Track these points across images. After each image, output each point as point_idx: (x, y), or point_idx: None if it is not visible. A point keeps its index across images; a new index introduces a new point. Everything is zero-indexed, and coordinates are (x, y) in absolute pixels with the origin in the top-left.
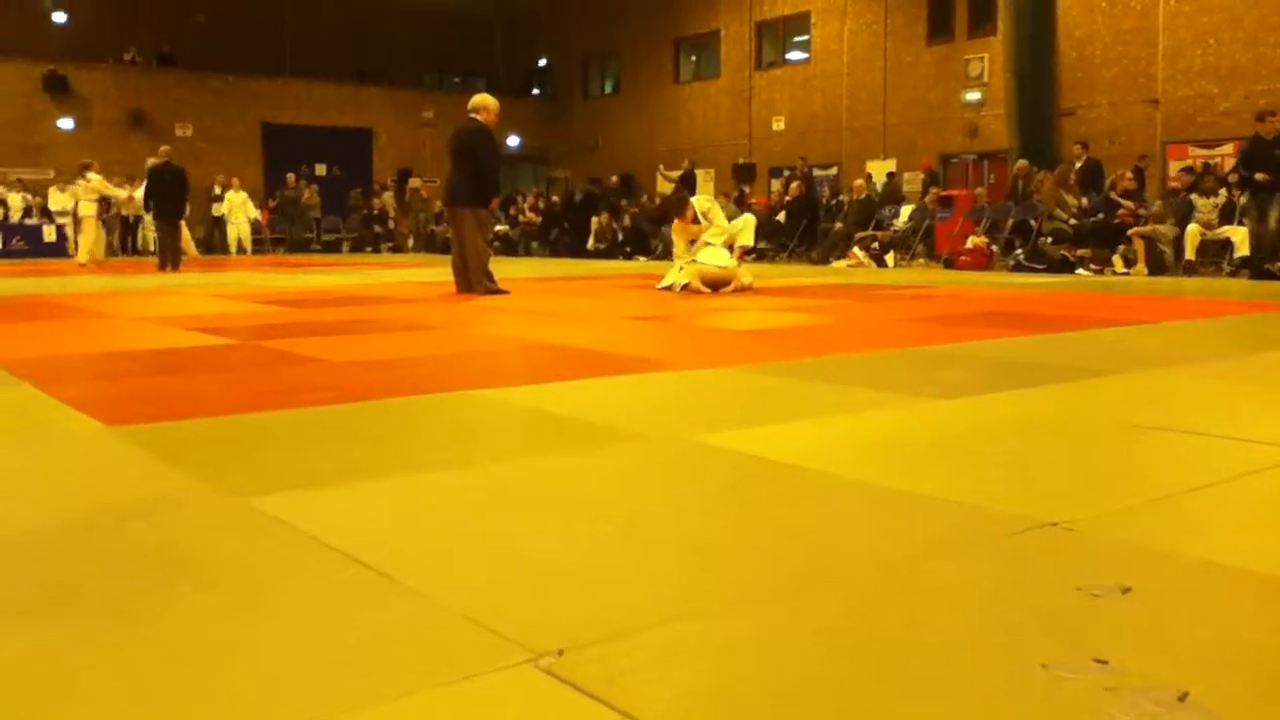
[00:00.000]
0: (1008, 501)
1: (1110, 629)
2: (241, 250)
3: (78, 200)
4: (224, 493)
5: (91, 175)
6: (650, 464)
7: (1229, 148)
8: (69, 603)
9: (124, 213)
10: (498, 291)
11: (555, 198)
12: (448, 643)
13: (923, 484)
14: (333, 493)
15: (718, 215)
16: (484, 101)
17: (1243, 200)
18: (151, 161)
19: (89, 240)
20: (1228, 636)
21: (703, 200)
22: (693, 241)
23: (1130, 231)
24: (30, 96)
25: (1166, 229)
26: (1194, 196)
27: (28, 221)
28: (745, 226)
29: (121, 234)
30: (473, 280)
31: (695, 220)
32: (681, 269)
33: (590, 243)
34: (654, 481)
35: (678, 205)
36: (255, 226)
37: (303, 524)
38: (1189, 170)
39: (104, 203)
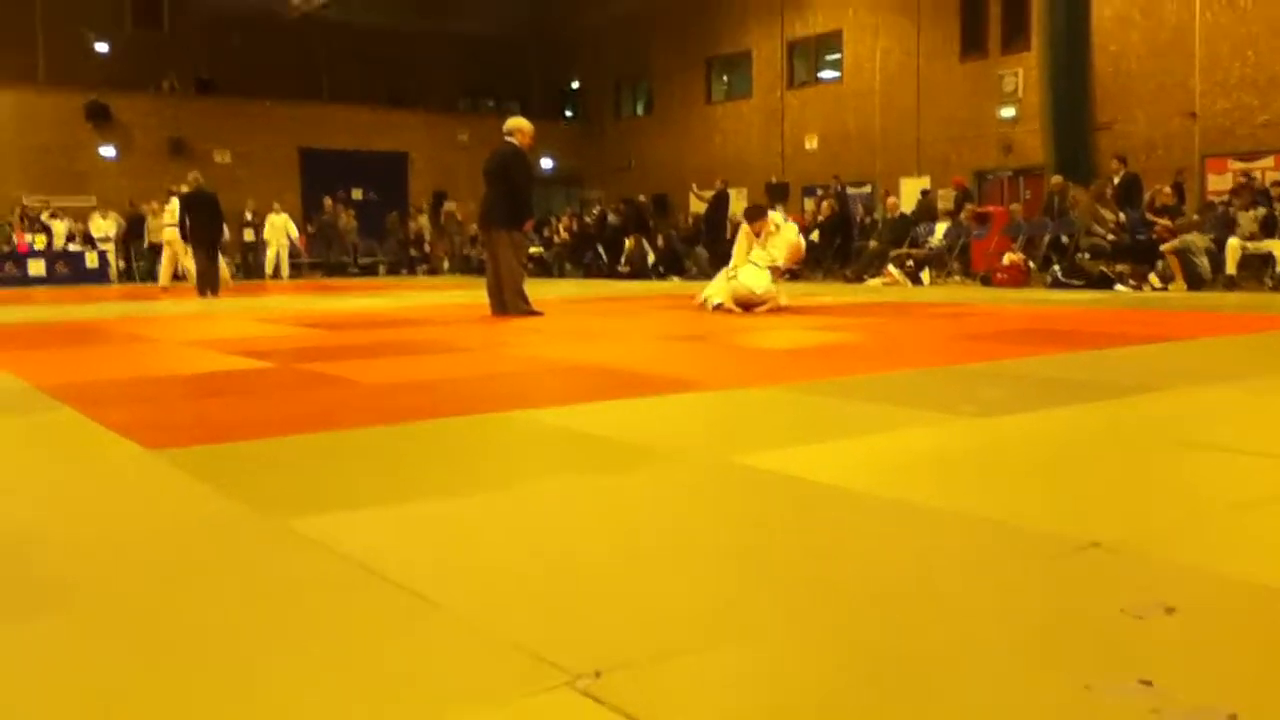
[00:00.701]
0: (1050, 521)
1: (1155, 650)
2: (277, 274)
3: (163, 226)
4: (262, 514)
5: (175, 201)
6: (688, 485)
7: (1269, 160)
8: (112, 623)
9: (153, 240)
10: (532, 313)
11: (588, 219)
12: (484, 665)
13: (964, 503)
14: (371, 514)
15: (775, 242)
16: (519, 124)
17: None
18: (182, 189)
19: (170, 265)
20: (1275, 658)
21: (776, 216)
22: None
23: (1163, 248)
24: (73, 125)
25: (1196, 238)
26: (1232, 209)
27: (71, 248)
28: (782, 246)
29: (151, 261)
30: (508, 302)
31: (758, 234)
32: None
33: (622, 263)
34: (692, 502)
35: (755, 214)
36: (293, 250)
37: (341, 545)
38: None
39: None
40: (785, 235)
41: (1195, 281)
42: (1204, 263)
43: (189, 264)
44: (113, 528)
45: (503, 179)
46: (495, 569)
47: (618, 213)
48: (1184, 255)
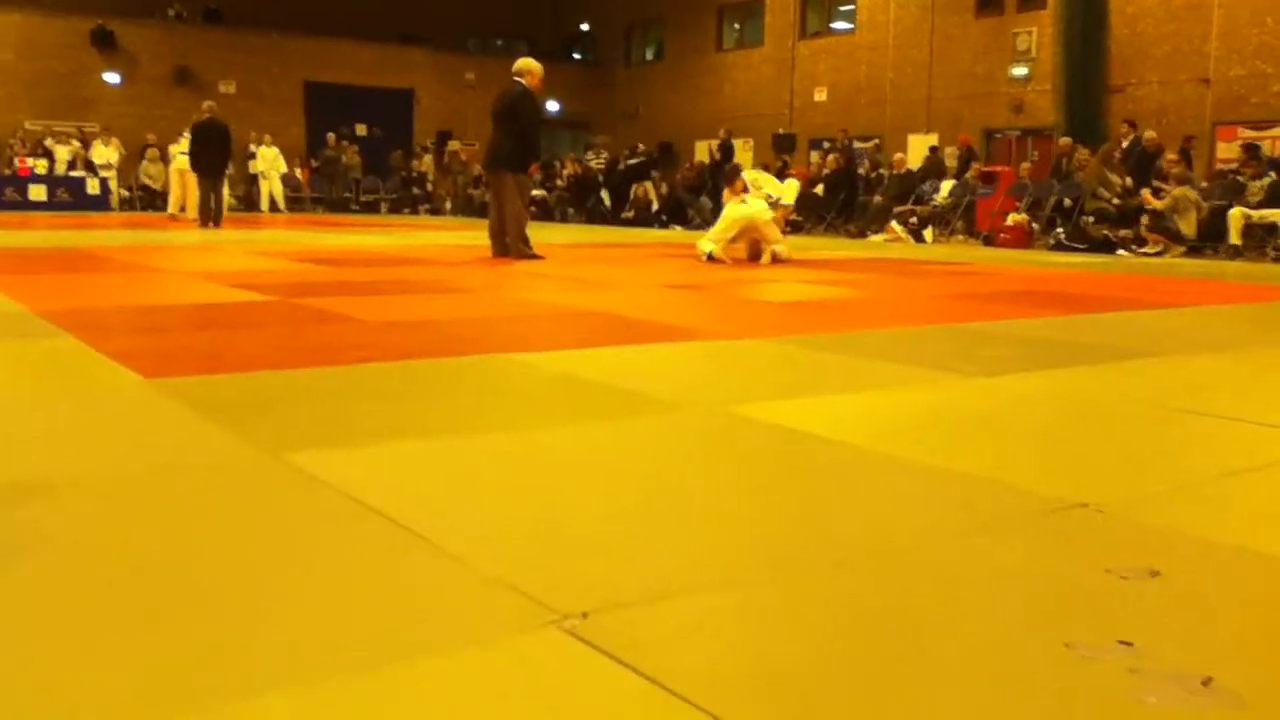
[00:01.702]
0: (1041, 481)
1: (1137, 612)
2: (275, 208)
3: (175, 155)
4: (260, 448)
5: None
6: (684, 433)
7: (1279, 130)
8: (106, 553)
9: (146, 181)
10: (534, 256)
11: (594, 164)
12: (474, 603)
13: (957, 461)
14: (368, 451)
15: (767, 182)
16: (528, 65)
17: None
18: (196, 118)
19: (178, 193)
20: (1256, 623)
21: (750, 174)
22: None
23: (1154, 205)
24: (79, 50)
25: (1186, 191)
26: (1240, 178)
27: (72, 174)
28: (789, 187)
29: (150, 194)
30: (510, 244)
31: (744, 190)
32: (712, 236)
33: (627, 209)
34: (687, 451)
35: (729, 176)
36: (295, 185)
37: (337, 481)
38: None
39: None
40: (769, 181)
41: (1179, 240)
42: (1189, 219)
43: (191, 193)
44: (109, 456)
45: (510, 120)
46: (489, 509)
47: (630, 161)
48: (1158, 222)
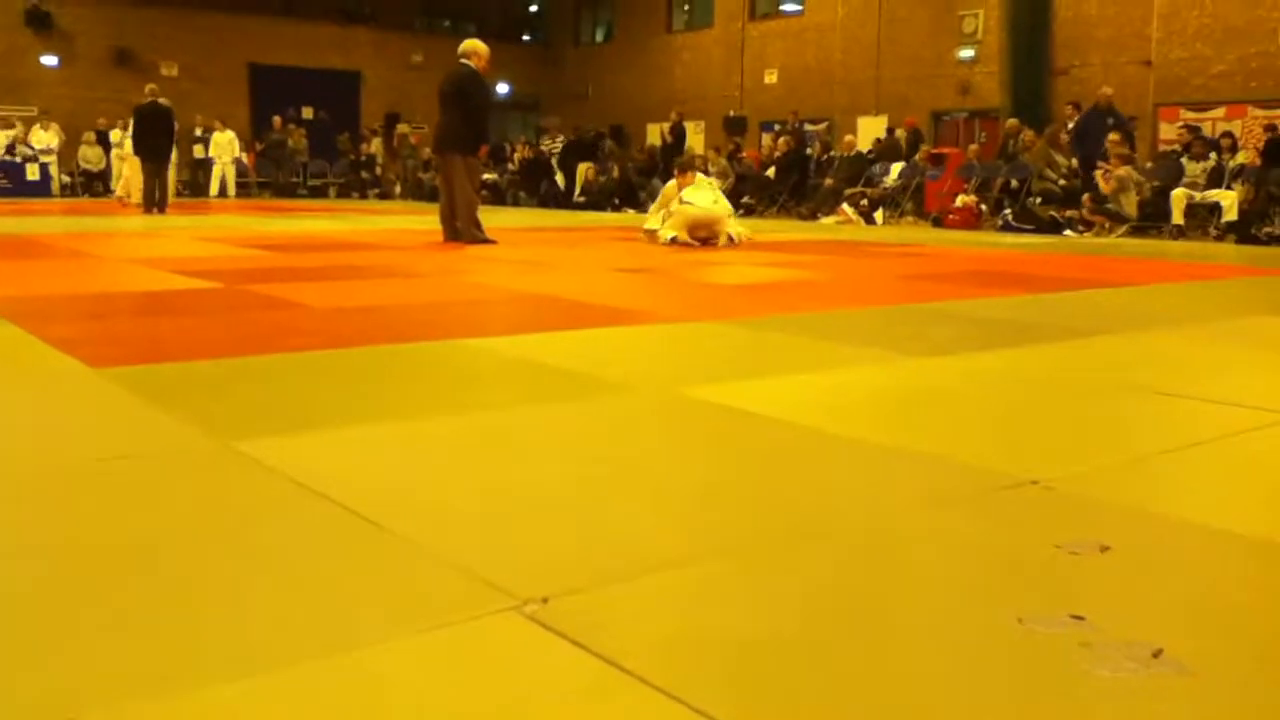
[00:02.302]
0: (991, 459)
1: (1087, 586)
2: (224, 193)
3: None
4: (208, 436)
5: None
6: (638, 416)
7: (1221, 111)
8: (56, 545)
9: (85, 165)
10: (486, 241)
11: (544, 147)
12: (432, 588)
13: (908, 440)
14: (319, 437)
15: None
16: (475, 47)
17: (1233, 164)
18: (139, 101)
19: (127, 177)
20: (1204, 596)
21: (703, 182)
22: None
23: (1105, 189)
24: (13, 31)
25: (1127, 172)
26: (1184, 160)
27: (9, 157)
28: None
29: (87, 178)
30: (461, 229)
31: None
32: (664, 220)
33: (577, 193)
34: (641, 433)
35: (682, 167)
36: (241, 169)
37: (287, 468)
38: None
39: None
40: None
41: (1119, 220)
42: (1130, 199)
43: (136, 179)
44: (53, 446)
45: (459, 103)
46: (444, 494)
47: (576, 137)
48: (1098, 205)
